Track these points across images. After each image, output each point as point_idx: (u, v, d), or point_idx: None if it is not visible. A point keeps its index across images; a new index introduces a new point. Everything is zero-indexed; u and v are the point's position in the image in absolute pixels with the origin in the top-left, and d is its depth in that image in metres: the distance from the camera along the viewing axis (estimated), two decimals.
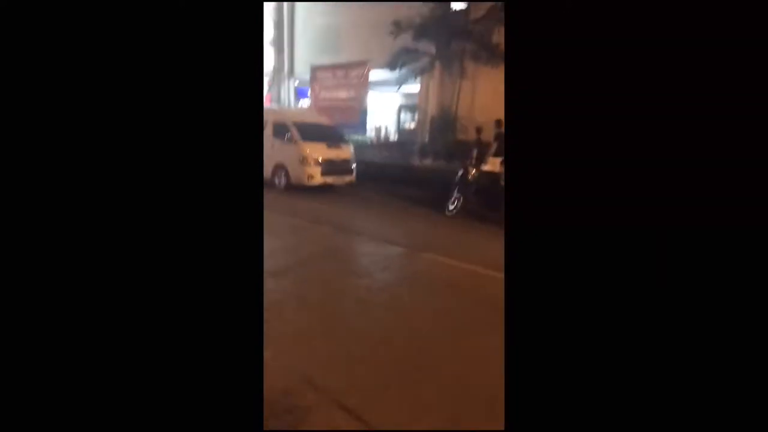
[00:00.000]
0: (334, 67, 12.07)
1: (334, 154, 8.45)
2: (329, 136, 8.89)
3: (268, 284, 3.46)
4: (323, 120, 9.72)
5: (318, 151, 8.17)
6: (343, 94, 11.97)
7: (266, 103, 13.61)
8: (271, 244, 4.76)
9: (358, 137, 11.75)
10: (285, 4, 13.26)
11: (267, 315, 2.86)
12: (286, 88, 14.12)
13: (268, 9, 13.12)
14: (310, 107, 12.68)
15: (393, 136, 15.10)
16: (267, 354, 2.38)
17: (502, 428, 1.19)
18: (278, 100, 13.94)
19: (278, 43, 13.64)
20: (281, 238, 5.04)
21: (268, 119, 8.74)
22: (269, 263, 4.03)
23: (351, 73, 11.70)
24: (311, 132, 8.50)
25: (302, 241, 4.97)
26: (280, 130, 8.44)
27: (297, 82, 14.26)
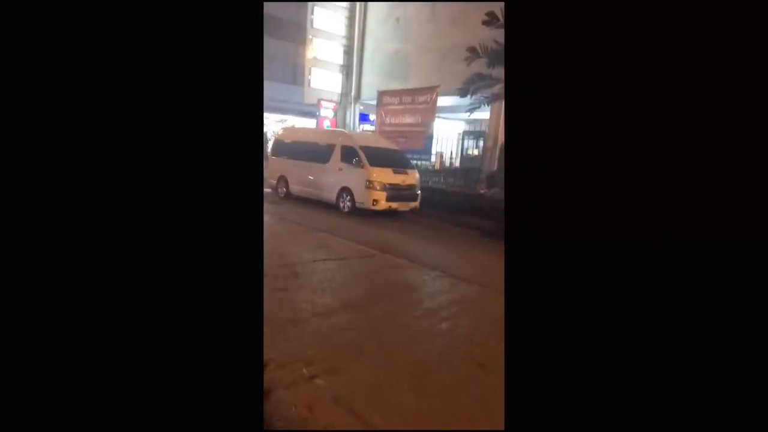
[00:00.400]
0: (401, 92, 12.07)
1: (400, 179, 8.28)
2: (396, 161, 8.76)
3: (342, 320, 3.21)
4: (391, 144, 9.63)
5: (384, 176, 8.04)
6: (409, 119, 11.89)
7: (332, 127, 13.86)
8: (340, 273, 4.56)
9: (419, 162, 11.56)
10: (356, 32, 13.60)
11: (344, 357, 2.60)
12: (352, 112, 14.33)
13: (339, 35, 13.48)
14: (376, 131, 12.74)
15: (456, 163, 14.78)
16: (348, 405, 2.10)
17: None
18: (343, 124, 14.15)
19: (347, 69, 13.94)
20: (350, 266, 4.83)
21: (337, 142, 8.77)
22: (341, 295, 3.80)
23: (418, 98, 11.61)
24: (379, 156, 8.40)
25: (373, 272, 4.72)
26: (348, 153, 8.42)
27: (362, 107, 14.44)
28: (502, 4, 7.55)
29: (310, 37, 13.31)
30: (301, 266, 4.49)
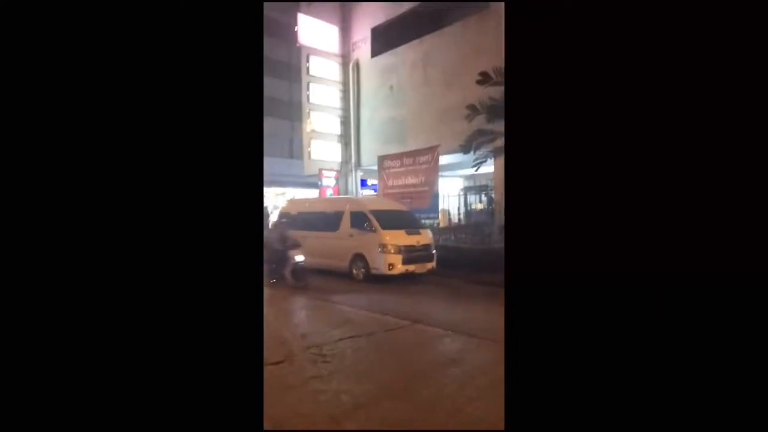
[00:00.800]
0: (402, 155, 12.14)
1: (414, 240, 7.98)
2: (407, 222, 8.51)
3: (390, 411, 2.72)
4: (400, 206, 9.45)
5: (398, 239, 7.74)
6: (412, 179, 11.86)
7: (335, 195, 13.81)
8: (372, 350, 4.08)
9: (428, 221, 11.35)
10: (351, 104, 14.03)
11: None
12: (353, 179, 14.37)
13: (334, 108, 13.87)
14: (380, 195, 12.68)
15: (463, 219, 14.62)
16: None
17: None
18: (345, 192, 14.13)
19: (345, 138, 14.19)
20: (381, 342, 4.34)
21: (346, 209, 8.58)
22: (381, 378, 3.31)
23: (420, 158, 11.66)
24: (389, 219, 8.16)
25: (407, 345, 4.24)
26: (358, 218, 8.19)
27: (362, 172, 14.52)
28: (496, 64, 7.76)
29: (308, 110, 13.68)
30: (328, 347, 4.02)
